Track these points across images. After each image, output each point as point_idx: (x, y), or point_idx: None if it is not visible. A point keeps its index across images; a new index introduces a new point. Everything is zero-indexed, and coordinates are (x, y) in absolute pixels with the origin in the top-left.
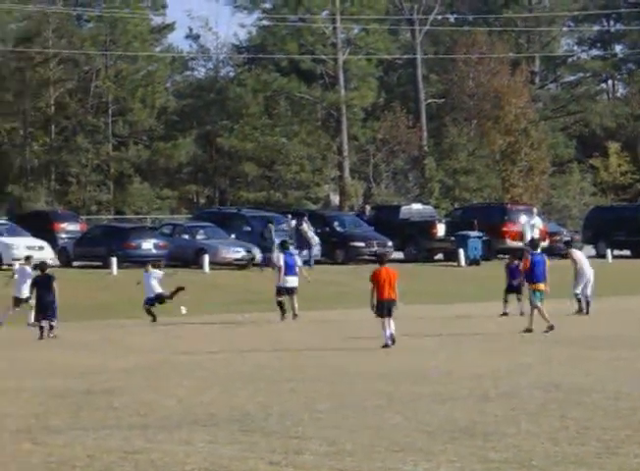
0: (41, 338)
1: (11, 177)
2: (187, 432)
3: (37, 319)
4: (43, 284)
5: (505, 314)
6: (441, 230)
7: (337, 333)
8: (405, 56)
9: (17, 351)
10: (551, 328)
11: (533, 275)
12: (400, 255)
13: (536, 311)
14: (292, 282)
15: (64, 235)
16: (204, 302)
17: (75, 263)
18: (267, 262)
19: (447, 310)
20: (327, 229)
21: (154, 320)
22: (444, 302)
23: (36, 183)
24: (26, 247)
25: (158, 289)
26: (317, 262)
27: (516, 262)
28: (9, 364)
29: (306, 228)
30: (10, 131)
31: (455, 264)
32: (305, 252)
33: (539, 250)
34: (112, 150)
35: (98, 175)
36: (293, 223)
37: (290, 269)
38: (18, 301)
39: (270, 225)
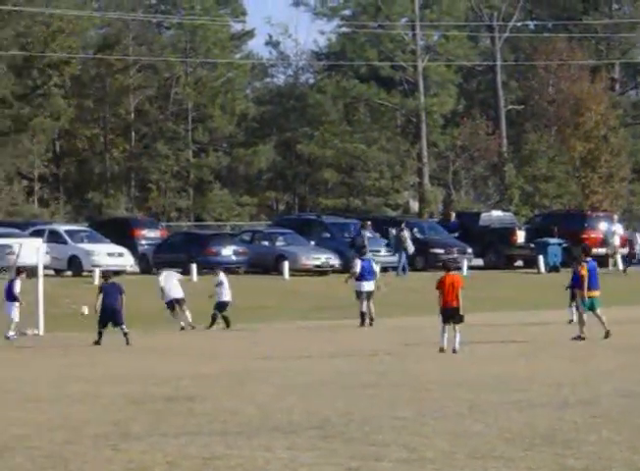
0: (98, 343)
1: (91, 183)
2: (267, 438)
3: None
4: (111, 291)
5: (572, 321)
6: (521, 236)
7: (416, 339)
8: (485, 63)
9: (96, 357)
10: (580, 338)
11: (587, 282)
12: (479, 262)
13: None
14: (368, 286)
15: (144, 242)
16: (284, 309)
17: (154, 270)
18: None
19: (526, 317)
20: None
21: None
22: (523, 309)
23: (116, 189)
24: (107, 254)
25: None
26: (395, 268)
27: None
28: (89, 370)
29: (406, 235)
30: (90, 138)
31: (535, 271)
32: (403, 259)
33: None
34: (192, 157)
35: (178, 181)
36: (394, 230)
37: (366, 274)
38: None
39: (363, 231)
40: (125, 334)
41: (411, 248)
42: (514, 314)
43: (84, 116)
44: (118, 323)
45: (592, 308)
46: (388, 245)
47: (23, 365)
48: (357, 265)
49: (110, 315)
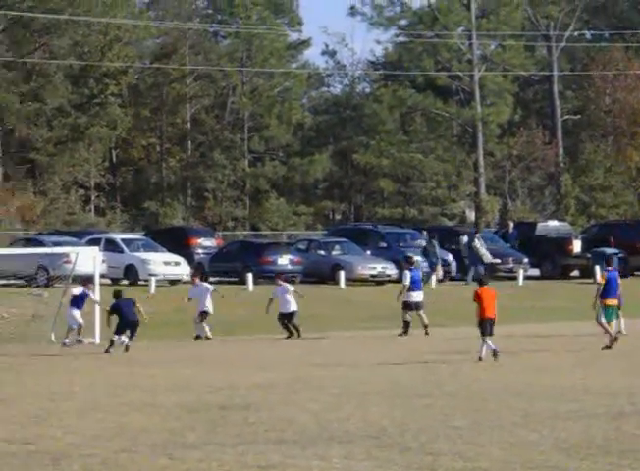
0: (108, 351)
1: (147, 192)
2: (323, 447)
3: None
4: (127, 306)
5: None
6: (577, 246)
7: (470, 349)
8: (541, 72)
9: (152, 366)
10: (608, 347)
11: (604, 290)
12: (536, 272)
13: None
14: (417, 296)
15: (200, 251)
16: (339, 318)
17: (210, 278)
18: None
19: (582, 327)
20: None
21: (289, 336)
22: (579, 319)
23: (173, 198)
24: (163, 263)
25: (291, 305)
26: (452, 279)
27: None
28: (145, 379)
29: (478, 245)
30: (147, 147)
31: (591, 281)
32: (480, 269)
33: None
34: (248, 166)
35: (234, 190)
36: (465, 239)
37: (415, 284)
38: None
39: (434, 240)
40: (127, 347)
41: (489, 257)
42: (570, 324)
43: (141, 125)
44: (133, 335)
45: (608, 317)
46: (463, 255)
47: (79, 373)
48: (407, 277)
49: (132, 327)
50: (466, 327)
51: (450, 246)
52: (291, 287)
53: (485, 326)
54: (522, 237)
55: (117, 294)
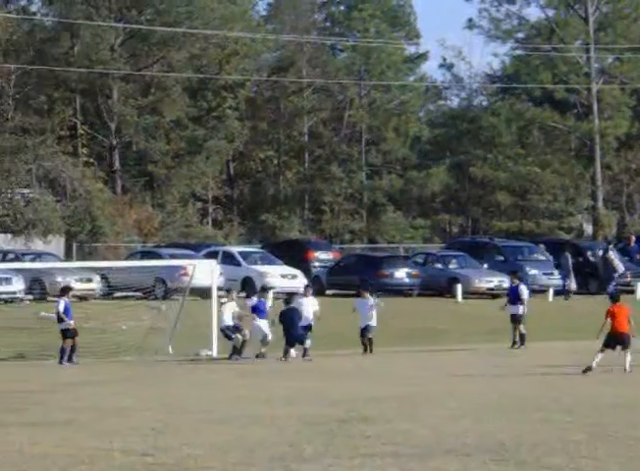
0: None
1: (265, 205)
2: (440, 461)
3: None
4: (289, 316)
5: None
6: None
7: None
8: None
9: (271, 379)
10: None
11: None
12: None
13: None
14: (513, 309)
15: (317, 264)
16: (456, 331)
17: (328, 291)
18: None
19: None
20: (580, 259)
21: (365, 351)
22: None
23: (290, 211)
24: (280, 276)
25: (370, 319)
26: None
27: None
28: (264, 392)
29: (612, 256)
30: (264, 160)
31: None
32: (614, 281)
33: None
34: (365, 179)
35: (351, 203)
36: (601, 251)
37: (512, 298)
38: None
39: (567, 253)
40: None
41: (621, 268)
42: None
43: (258, 138)
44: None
45: None
46: (597, 267)
47: (199, 385)
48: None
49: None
50: (582, 341)
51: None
52: (370, 301)
53: (615, 339)
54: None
55: (286, 300)
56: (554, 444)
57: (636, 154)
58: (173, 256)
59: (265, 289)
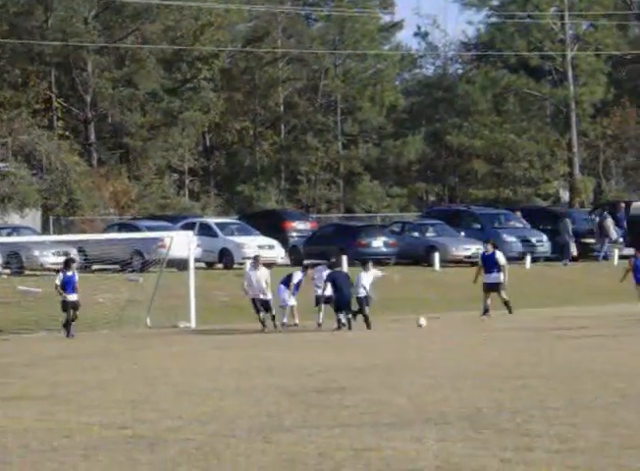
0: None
1: (241, 176)
2: (419, 430)
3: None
4: (341, 279)
5: None
6: None
7: (566, 330)
8: (634, 51)
9: (249, 350)
10: None
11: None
12: (630, 251)
13: None
14: (490, 278)
15: (294, 234)
16: (435, 300)
17: (305, 261)
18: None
19: None
20: (557, 225)
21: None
22: None
23: (266, 182)
24: (257, 246)
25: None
26: (548, 259)
27: None
28: (241, 363)
29: (609, 223)
30: (240, 131)
31: None
32: (605, 247)
33: None
34: (341, 149)
35: (328, 173)
36: (597, 218)
37: (487, 266)
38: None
39: (567, 219)
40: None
41: (614, 235)
42: None
43: (234, 109)
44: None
45: None
46: (592, 233)
47: (176, 357)
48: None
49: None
50: (560, 307)
51: (544, 227)
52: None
53: None
54: (615, 217)
55: (331, 265)
56: (533, 411)
57: (612, 120)
58: (150, 228)
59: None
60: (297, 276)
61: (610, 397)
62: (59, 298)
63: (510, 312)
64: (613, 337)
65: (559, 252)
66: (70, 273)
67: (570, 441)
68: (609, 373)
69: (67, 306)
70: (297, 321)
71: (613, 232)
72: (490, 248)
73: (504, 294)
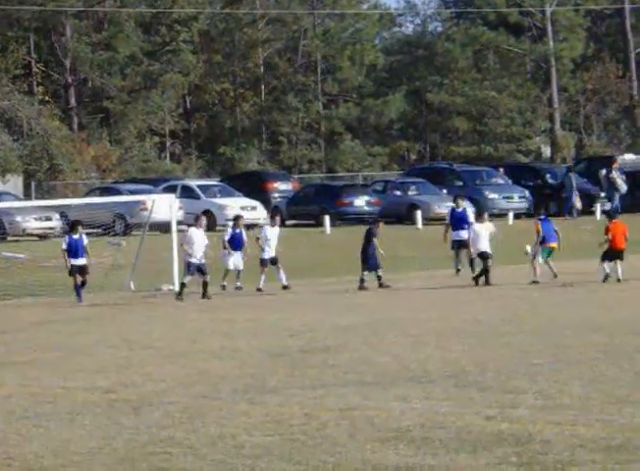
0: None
1: (222, 138)
2: (403, 388)
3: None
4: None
5: None
6: None
7: (550, 286)
8: (613, 6)
9: (232, 311)
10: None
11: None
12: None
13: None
14: (460, 235)
15: (276, 195)
16: (418, 258)
17: (288, 222)
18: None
19: None
20: (539, 181)
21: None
22: None
23: (248, 143)
24: (240, 208)
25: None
26: (528, 215)
27: None
28: (225, 325)
29: (616, 175)
30: (220, 93)
31: None
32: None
33: None
34: (322, 109)
35: (309, 133)
36: (604, 171)
37: (457, 223)
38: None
39: (570, 174)
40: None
41: (624, 188)
42: None
43: (214, 71)
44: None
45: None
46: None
47: (160, 320)
48: (448, 215)
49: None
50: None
51: (526, 183)
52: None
53: (614, 254)
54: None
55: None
56: (516, 367)
57: (592, 75)
58: (132, 192)
59: (238, 218)
60: (227, 233)
61: (592, 353)
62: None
63: (473, 272)
64: (594, 292)
65: (562, 207)
66: (76, 236)
67: (554, 397)
68: (591, 328)
69: (73, 271)
70: (225, 283)
71: (623, 184)
72: (460, 204)
73: (468, 253)
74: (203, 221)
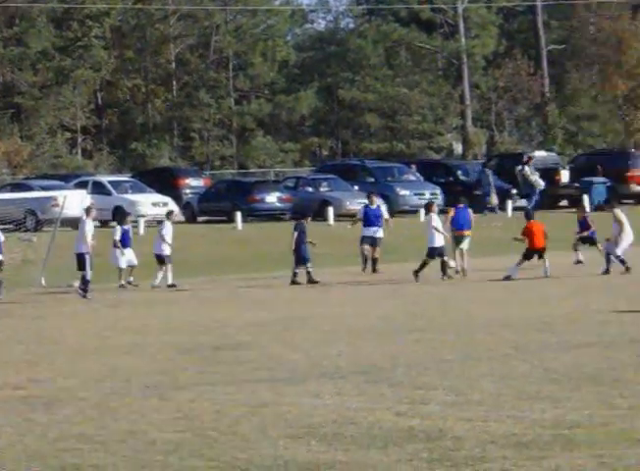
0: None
1: (134, 134)
2: (315, 385)
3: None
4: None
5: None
6: (565, 176)
7: (463, 282)
8: (525, 3)
9: (143, 308)
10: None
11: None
12: (524, 203)
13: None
14: (374, 232)
15: (188, 191)
16: (330, 254)
17: (199, 218)
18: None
19: (572, 256)
20: (450, 178)
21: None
22: (567, 249)
23: (159, 139)
24: (151, 204)
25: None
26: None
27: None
28: (136, 321)
29: (529, 171)
30: (132, 89)
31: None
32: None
33: None
34: (234, 105)
35: (221, 129)
36: (519, 168)
37: (371, 220)
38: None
39: (487, 170)
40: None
41: (541, 183)
42: (560, 253)
43: (125, 66)
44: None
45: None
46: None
47: (69, 317)
48: (361, 211)
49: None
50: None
51: (438, 180)
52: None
53: (535, 253)
54: (509, 169)
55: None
56: (428, 363)
57: (503, 72)
58: (43, 188)
59: (125, 216)
60: (117, 231)
61: (503, 349)
62: None
63: (375, 270)
64: (504, 288)
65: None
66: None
67: (465, 393)
68: (502, 324)
69: None
70: (124, 282)
71: (539, 179)
72: (374, 201)
73: (379, 251)
74: (93, 212)
